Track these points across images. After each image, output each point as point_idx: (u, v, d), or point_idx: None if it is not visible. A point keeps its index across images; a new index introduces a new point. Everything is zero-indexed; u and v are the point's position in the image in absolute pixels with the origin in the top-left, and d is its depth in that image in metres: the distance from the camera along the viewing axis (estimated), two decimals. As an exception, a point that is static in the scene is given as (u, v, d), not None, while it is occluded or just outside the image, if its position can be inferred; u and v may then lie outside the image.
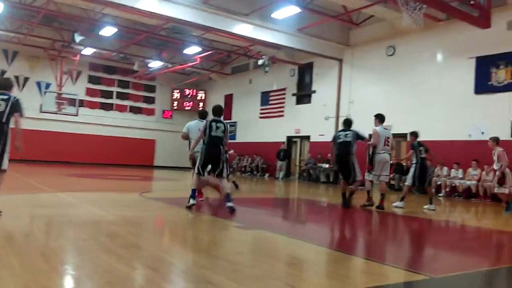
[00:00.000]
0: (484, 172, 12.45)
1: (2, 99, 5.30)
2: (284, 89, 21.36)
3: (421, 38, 14.94)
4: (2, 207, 5.21)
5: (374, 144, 8.41)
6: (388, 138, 8.55)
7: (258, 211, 8.26)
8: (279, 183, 17.74)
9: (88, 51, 21.28)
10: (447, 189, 13.40)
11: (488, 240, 6.39)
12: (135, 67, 23.33)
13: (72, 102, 22.82)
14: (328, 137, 17.72)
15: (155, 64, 23.00)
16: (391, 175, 14.75)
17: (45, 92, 22.61)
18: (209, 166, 6.78)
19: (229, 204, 6.52)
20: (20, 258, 3.42)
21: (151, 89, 26.92)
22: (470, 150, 13.09)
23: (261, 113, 22.63)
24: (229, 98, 25.08)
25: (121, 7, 14.01)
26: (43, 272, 3.11)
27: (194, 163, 7.29)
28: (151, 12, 14.07)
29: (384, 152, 8.47)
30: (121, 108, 25.87)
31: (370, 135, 8.72)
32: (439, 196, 13.09)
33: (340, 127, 9.46)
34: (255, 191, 13.51)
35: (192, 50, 20.49)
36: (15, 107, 5.34)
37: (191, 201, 6.65)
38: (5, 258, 3.37)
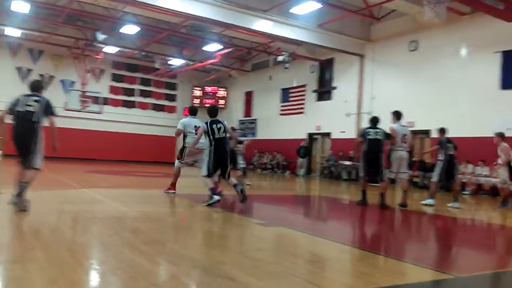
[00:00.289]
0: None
1: (35, 100, 5.48)
2: (304, 86, 21.20)
3: (444, 32, 14.61)
4: (32, 203, 5.38)
5: (392, 142, 8.40)
6: (405, 135, 8.47)
7: (279, 208, 8.26)
8: (300, 180, 17.66)
9: (111, 49, 21.59)
10: (473, 187, 13.12)
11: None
12: (157, 65, 23.60)
13: (95, 100, 23.31)
14: (349, 134, 17.95)
15: (176, 62, 23.18)
16: (415, 173, 14.55)
17: (70, 90, 23.11)
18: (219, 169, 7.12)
19: (239, 187, 7.00)
20: (47, 252, 3.52)
21: (173, 86, 27.16)
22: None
23: (281, 110, 22.52)
24: (249, 95, 25.09)
25: (142, 5, 14.19)
26: (69, 266, 3.19)
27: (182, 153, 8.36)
28: (171, 10, 14.18)
29: (401, 149, 8.41)
30: (143, 106, 26.17)
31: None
32: (464, 194, 12.83)
33: (365, 124, 9.40)
34: (276, 188, 13.50)
35: (213, 47, 20.56)
36: (48, 108, 5.54)
37: (215, 198, 6.77)
38: (32, 253, 3.46)
